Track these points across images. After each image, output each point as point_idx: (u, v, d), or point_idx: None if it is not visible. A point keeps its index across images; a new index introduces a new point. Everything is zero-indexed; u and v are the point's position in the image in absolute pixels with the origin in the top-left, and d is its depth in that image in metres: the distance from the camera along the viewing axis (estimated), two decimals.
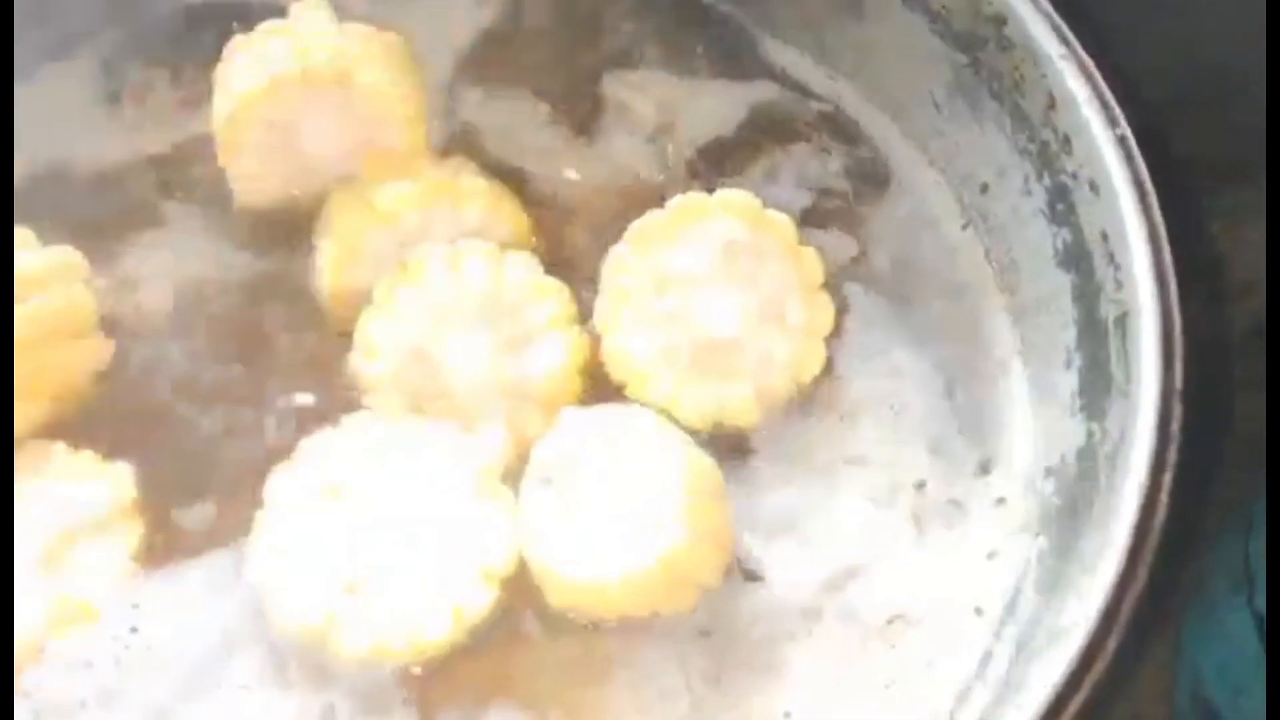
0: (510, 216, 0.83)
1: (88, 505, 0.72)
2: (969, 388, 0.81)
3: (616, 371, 0.78)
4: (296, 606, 0.70)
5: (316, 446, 0.74)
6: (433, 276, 0.77)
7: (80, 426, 0.77)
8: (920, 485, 0.78)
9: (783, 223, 0.79)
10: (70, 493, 0.72)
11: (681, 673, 0.73)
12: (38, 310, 0.73)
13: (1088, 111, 0.75)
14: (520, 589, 0.73)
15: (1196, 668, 0.86)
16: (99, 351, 0.78)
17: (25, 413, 0.73)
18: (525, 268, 0.78)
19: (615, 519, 0.70)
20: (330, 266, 0.81)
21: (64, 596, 0.70)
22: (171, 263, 0.83)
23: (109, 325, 0.80)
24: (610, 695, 0.71)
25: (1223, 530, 0.86)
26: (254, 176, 0.83)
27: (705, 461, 0.73)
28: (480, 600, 0.71)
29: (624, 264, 0.78)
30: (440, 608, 0.70)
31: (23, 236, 0.76)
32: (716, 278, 0.78)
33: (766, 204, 0.84)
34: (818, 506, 0.77)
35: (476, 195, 0.81)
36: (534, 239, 0.83)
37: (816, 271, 0.79)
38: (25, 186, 0.85)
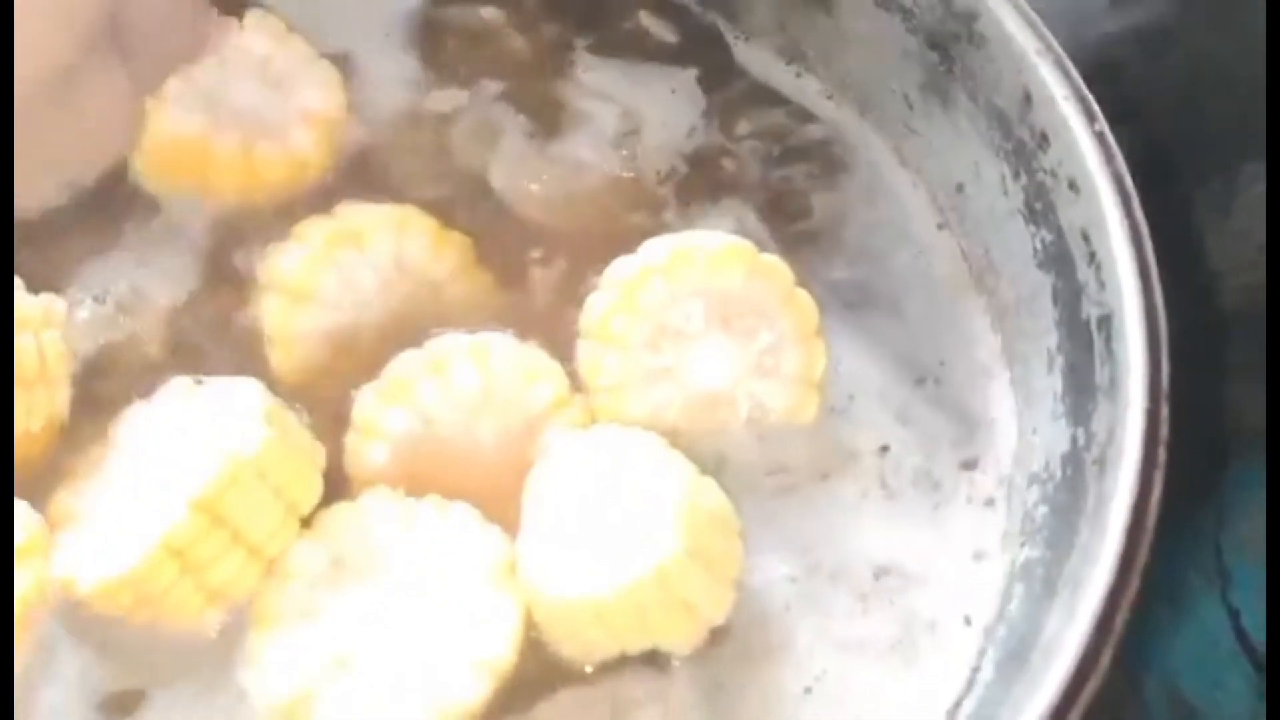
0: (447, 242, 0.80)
1: None
2: (952, 393, 0.80)
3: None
4: (270, 679, 0.67)
5: (331, 519, 0.71)
6: (422, 392, 0.74)
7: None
8: (884, 449, 0.77)
9: (779, 269, 0.76)
10: None
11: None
12: None
13: (1065, 108, 0.74)
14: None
15: (1168, 663, 0.85)
16: (56, 403, 0.74)
17: None
18: (510, 353, 0.75)
19: (608, 534, 0.68)
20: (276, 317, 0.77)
21: None
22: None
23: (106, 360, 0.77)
24: None
25: (1189, 523, 0.85)
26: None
27: (710, 487, 0.71)
28: (468, 693, 0.67)
29: (611, 315, 0.75)
30: (423, 697, 0.67)
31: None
32: (711, 331, 0.76)
33: (741, 211, 0.84)
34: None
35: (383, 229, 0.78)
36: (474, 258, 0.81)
37: (812, 317, 0.77)
38: None
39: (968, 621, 0.72)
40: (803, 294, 0.77)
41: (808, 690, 0.70)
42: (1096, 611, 0.60)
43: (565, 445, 0.72)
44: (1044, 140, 0.75)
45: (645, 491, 0.69)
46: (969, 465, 0.77)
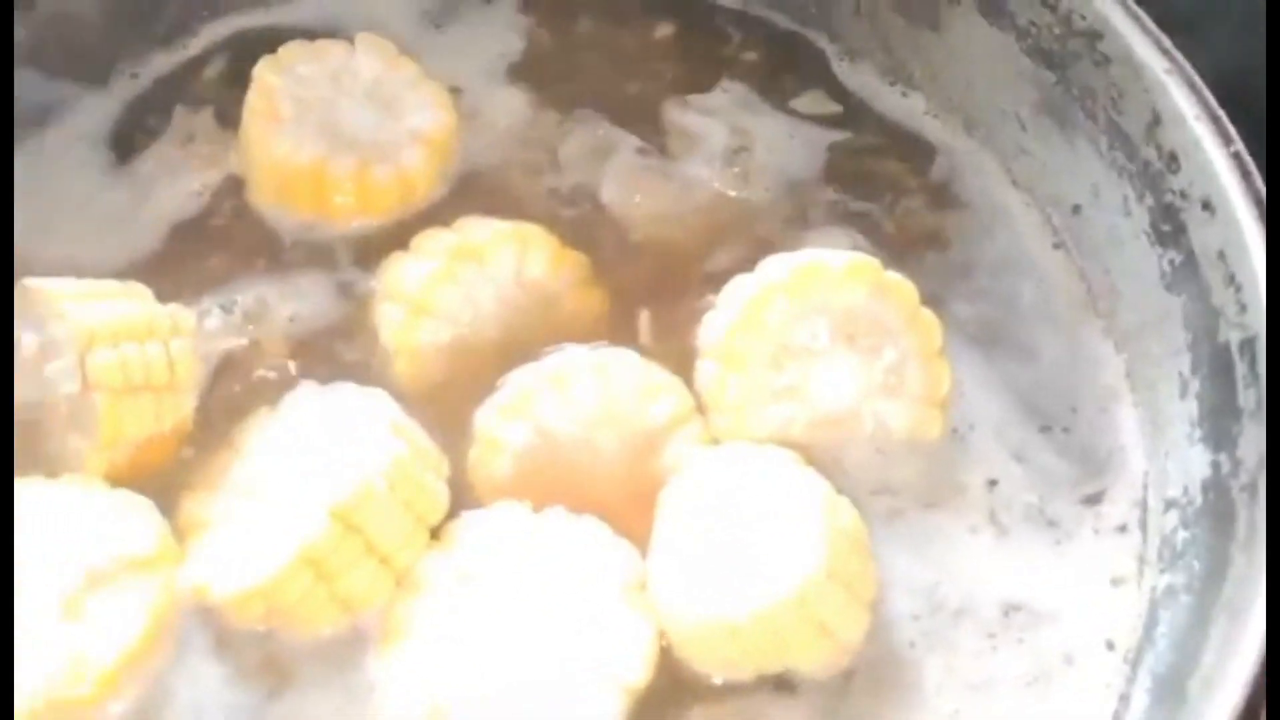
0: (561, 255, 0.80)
1: (111, 546, 0.67)
2: (1079, 436, 0.78)
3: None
4: (403, 695, 0.66)
5: (460, 531, 0.70)
6: (542, 406, 0.73)
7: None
8: (992, 484, 0.75)
9: (904, 287, 0.75)
10: (96, 532, 0.68)
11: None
12: (124, 358, 0.69)
13: (1197, 128, 0.73)
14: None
15: None
16: (182, 410, 0.74)
17: (103, 458, 0.70)
18: (630, 369, 0.74)
19: (744, 553, 0.67)
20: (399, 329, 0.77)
21: (79, 654, 0.65)
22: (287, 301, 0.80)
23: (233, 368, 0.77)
24: None
25: None
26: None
27: (845, 506, 0.70)
28: (605, 713, 0.66)
29: (733, 334, 0.74)
30: (559, 716, 0.66)
31: (137, 290, 0.75)
32: (836, 349, 0.75)
33: (851, 231, 0.83)
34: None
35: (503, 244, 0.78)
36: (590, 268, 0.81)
37: (935, 336, 0.76)
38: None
39: (1110, 646, 0.70)
40: (927, 312, 0.76)
41: None
42: (1261, 644, 0.58)
43: (697, 462, 0.71)
44: (1173, 161, 0.74)
45: (781, 510, 0.68)
46: (1092, 500, 0.76)
